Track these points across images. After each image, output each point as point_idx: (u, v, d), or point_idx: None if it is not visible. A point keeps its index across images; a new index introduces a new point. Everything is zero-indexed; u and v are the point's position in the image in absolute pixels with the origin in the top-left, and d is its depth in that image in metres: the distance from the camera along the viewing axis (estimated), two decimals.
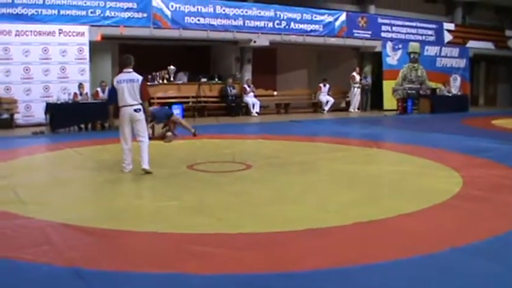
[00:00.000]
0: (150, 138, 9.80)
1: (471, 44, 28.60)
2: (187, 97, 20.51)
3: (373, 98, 25.48)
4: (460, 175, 8.78)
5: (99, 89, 17.55)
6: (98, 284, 4.26)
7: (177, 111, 17.04)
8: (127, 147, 9.20)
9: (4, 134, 15.08)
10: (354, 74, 24.42)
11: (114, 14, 18.58)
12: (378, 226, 5.93)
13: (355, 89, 24.53)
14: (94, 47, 18.42)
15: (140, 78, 9.18)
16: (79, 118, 15.95)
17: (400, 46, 25.76)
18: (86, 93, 17.01)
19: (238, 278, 4.45)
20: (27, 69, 17.04)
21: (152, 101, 18.62)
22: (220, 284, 4.33)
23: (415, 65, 26.29)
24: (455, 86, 27.43)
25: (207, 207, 6.81)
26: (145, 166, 8.97)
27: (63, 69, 17.56)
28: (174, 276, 4.43)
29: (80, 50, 17.81)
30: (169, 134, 13.66)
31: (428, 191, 7.74)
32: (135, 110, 9.07)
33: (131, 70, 9.25)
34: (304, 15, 22.95)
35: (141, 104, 9.19)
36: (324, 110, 23.77)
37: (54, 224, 5.89)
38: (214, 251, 5.01)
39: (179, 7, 19.87)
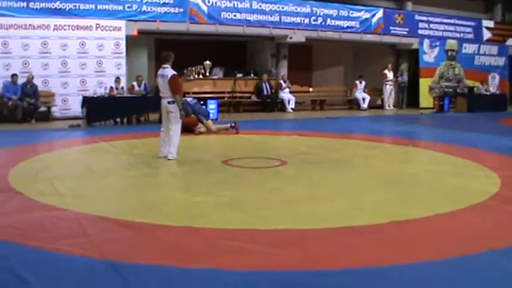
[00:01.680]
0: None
1: (511, 41, 28.09)
2: (223, 92, 20.55)
3: (410, 95, 25.23)
4: (498, 175, 8.59)
5: (135, 83, 17.66)
6: (132, 278, 4.27)
7: (212, 106, 17.13)
8: (164, 133, 10.09)
9: (41, 127, 15.32)
10: (386, 71, 24.14)
11: (151, 9, 18.70)
12: (414, 225, 5.85)
13: (387, 86, 24.27)
14: (130, 41, 18.56)
15: (170, 74, 9.80)
16: (115, 112, 16.07)
17: (438, 43, 25.46)
18: (122, 88, 17.16)
19: (272, 274, 4.42)
20: (64, 63, 17.26)
21: (188, 95, 18.76)
22: (254, 281, 4.31)
23: (453, 62, 25.96)
24: (493, 84, 26.99)
25: (241, 203, 6.79)
26: (170, 156, 9.82)
27: (99, 63, 17.74)
28: (209, 272, 4.42)
29: (117, 45, 17.97)
30: (202, 129, 13.87)
31: (465, 191, 7.61)
32: (168, 102, 9.89)
33: (167, 66, 9.94)
34: (341, 11, 22.86)
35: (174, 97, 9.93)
36: (363, 107, 23.49)
37: (90, 217, 5.94)
38: (249, 247, 5.00)
39: (216, 2, 19.93)
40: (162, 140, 10.10)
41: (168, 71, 9.82)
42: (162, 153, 10.02)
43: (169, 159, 9.73)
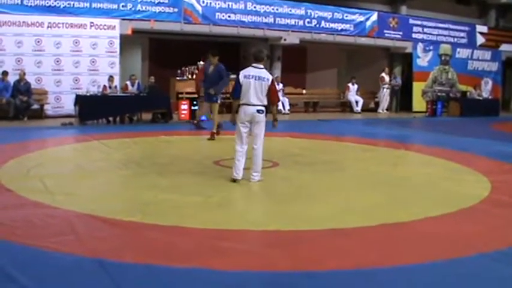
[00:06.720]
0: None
1: (504, 47, 28.19)
2: None
3: (403, 99, 25.28)
4: (489, 180, 8.62)
5: (128, 83, 17.66)
6: (120, 276, 4.26)
7: None
8: (241, 149, 8.06)
9: (34, 125, 15.28)
10: (383, 74, 24.20)
11: (145, 8, 18.68)
12: (404, 229, 5.86)
13: (384, 89, 24.31)
14: (124, 40, 18.54)
15: (270, 77, 8.08)
16: (107, 111, 16.05)
17: (431, 48, 25.54)
18: (115, 86, 17.14)
19: (261, 275, 4.43)
20: (58, 61, 17.23)
21: (181, 95, 18.73)
22: (243, 281, 4.30)
23: (446, 67, 26.03)
24: (486, 89, 27.11)
25: (232, 203, 6.81)
26: (255, 178, 8.05)
27: (93, 62, 17.72)
28: (197, 271, 4.41)
29: (111, 43, 17.95)
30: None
31: (455, 195, 7.63)
32: (258, 111, 8.01)
33: (262, 66, 8.15)
34: (335, 14, 22.90)
35: (265, 106, 8.14)
36: (356, 110, 23.52)
37: (80, 215, 5.92)
38: (238, 248, 5.00)
39: (210, 3, 19.92)
40: (239, 161, 8.02)
41: (266, 73, 8.06)
42: (238, 174, 8.00)
43: (252, 181, 8.05)
